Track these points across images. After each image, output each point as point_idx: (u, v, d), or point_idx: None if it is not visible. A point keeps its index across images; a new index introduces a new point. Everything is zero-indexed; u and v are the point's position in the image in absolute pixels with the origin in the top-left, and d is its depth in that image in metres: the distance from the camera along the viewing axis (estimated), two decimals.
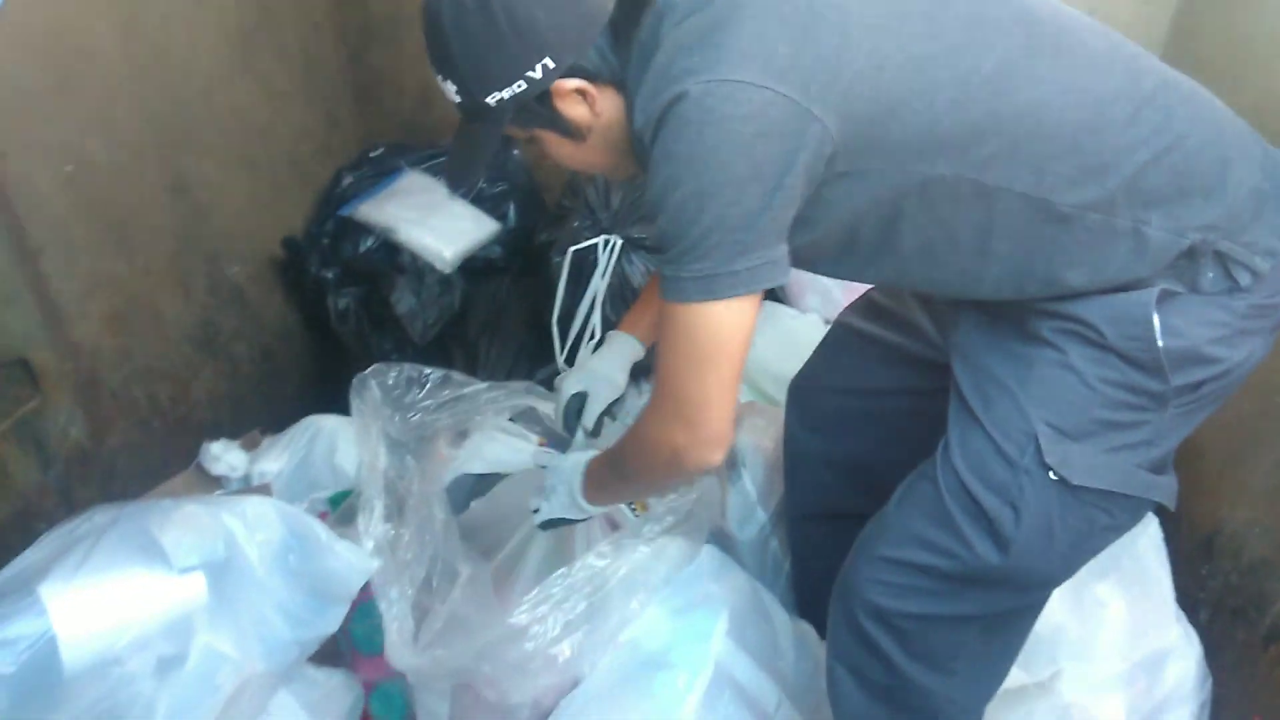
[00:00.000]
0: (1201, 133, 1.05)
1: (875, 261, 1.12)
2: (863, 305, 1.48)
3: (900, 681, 1.21)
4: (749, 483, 1.72)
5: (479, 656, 1.35)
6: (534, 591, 1.38)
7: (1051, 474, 1.09)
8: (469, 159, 1.15)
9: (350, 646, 1.56)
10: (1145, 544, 1.65)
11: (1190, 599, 1.67)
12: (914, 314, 1.36)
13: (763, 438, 1.77)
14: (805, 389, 1.56)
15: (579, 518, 1.40)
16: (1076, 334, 1.09)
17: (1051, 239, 1.06)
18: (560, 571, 1.40)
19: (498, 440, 1.73)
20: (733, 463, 1.73)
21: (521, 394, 1.74)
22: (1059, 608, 1.58)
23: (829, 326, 1.57)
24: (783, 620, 1.57)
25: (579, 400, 1.49)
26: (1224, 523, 1.64)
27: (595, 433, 1.50)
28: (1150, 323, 1.05)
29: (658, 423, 1.11)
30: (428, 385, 1.66)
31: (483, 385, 1.70)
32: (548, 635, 1.36)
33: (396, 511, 1.50)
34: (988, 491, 1.12)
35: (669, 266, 1.02)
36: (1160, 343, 1.05)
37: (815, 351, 1.57)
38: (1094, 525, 1.13)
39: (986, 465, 1.12)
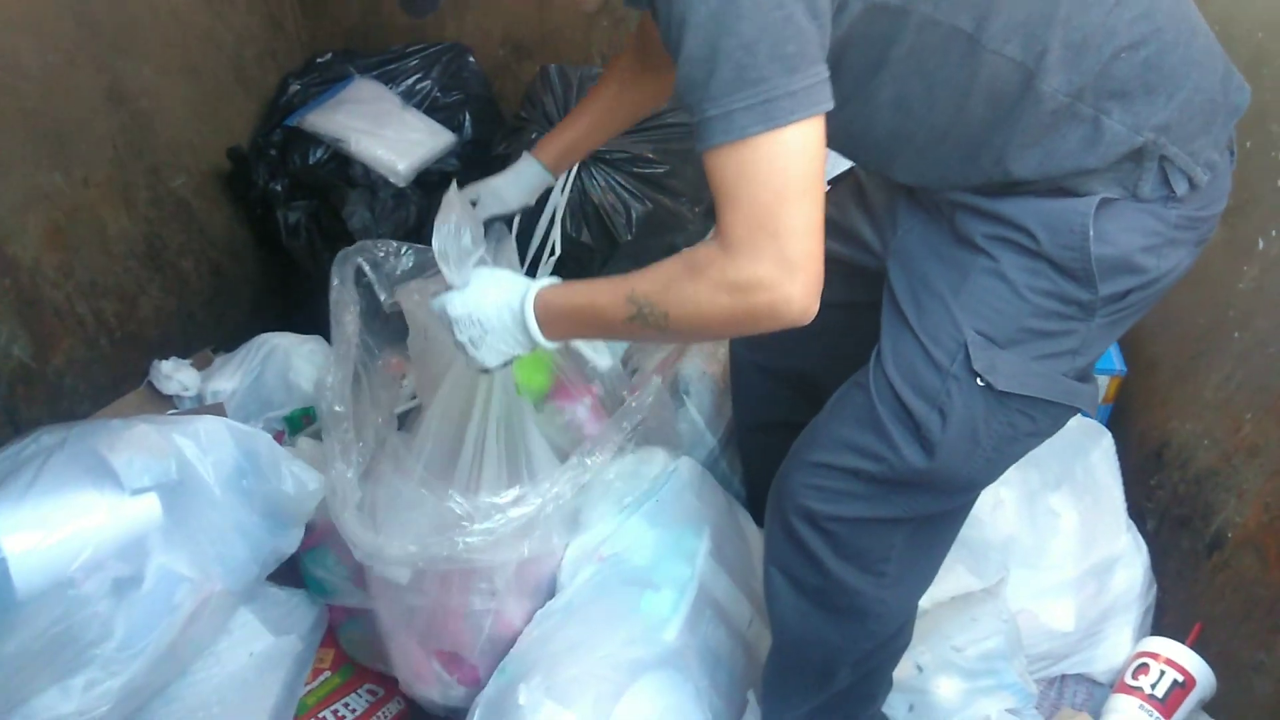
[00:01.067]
0: (1176, 31, 1.05)
1: (843, 109, 1.02)
2: None
3: (831, 583, 1.24)
4: (694, 411, 1.73)
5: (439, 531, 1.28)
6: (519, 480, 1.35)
7: (979, 380, 1.11)
8: None
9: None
10: (1098, 456, 1.68)
11: (1138, 508, 1.72)
12: (854, 221, 1.35)
13: (710, 362, 1.76)
14: None
15: (524, 352, 1.21)
16: (1010, 241, 1.10)
17: (1019, 114, 1.05)
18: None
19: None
20: (675, 390, 1.73)
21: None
22: (1012, 518, 1.61)
23: None
24: (755, 535, 1.59)
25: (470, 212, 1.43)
26: (1173, 434, 1.68)
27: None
28: (1086, 231, 1.06)
29: (753, 267, 0.94)
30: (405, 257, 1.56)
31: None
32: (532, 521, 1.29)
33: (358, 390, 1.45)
34: (916, 397, 1.13)
35: (710, 104, 0.90)
36: (1093, 250, 1.06)
37: None
38: (1017, 430, 1.15)
39: (916, 371, 1.14)
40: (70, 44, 1.64)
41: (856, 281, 1.34)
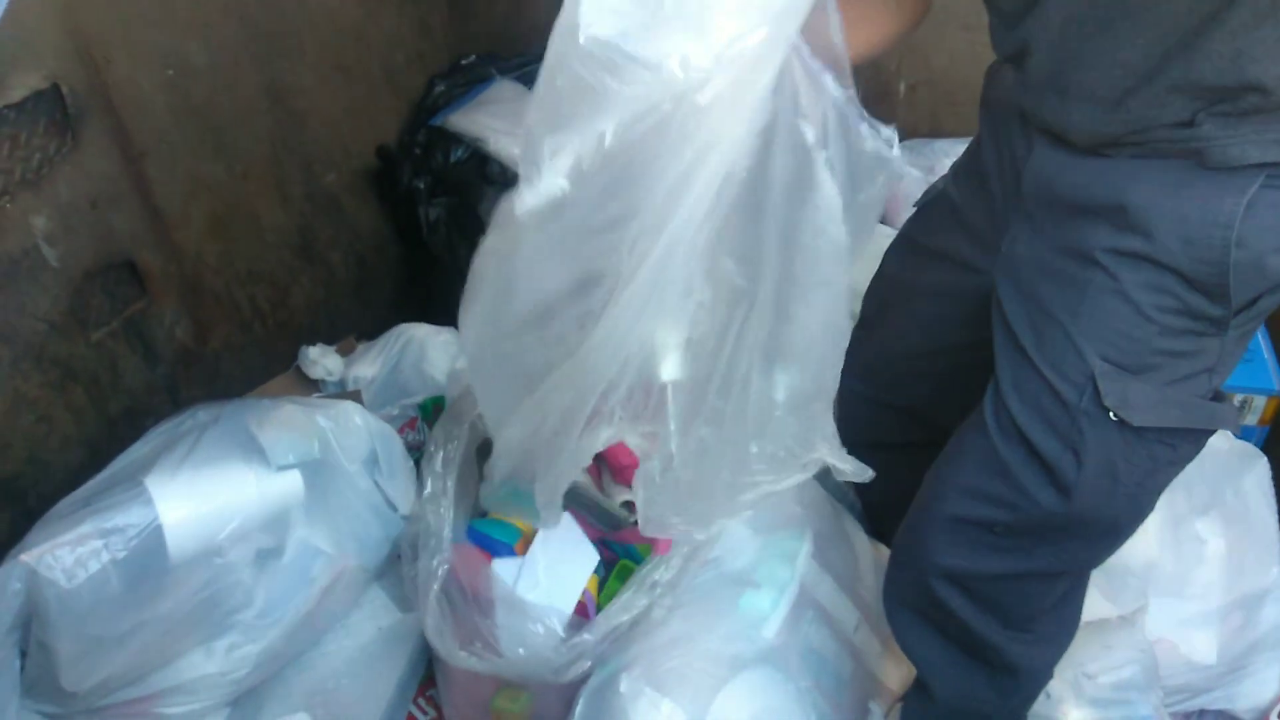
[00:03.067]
0: None
1: None
2: (904, 249, 1.38)
3: (975, 640, 1.19)
4: None
5: None
6: None
7: (1111, 415, 1.03)
8: None
9: None
10: (1251, 481, 1.59)
11: None
12: (954, 241, 1.26)
13: None
14: (856, 355, 1.48)
15: None
16: (1132, 255, 1.00)
17: None
18: None
19: None
20: None
21: None
22: (1154, 542, 1.53)
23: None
24: (863, 543, 1.57)
25: None
26: None
27: None
28: (1229, 242, 0.95)
29: None
30: None
31: None
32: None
33: None
34: (1046, 436, 1.06)
35: None
36: (1232, 259, 0.96)
37: (865, 301, 1.48)
38: (1157, 462, 1.07)
39: (1042, 408, 1.06)
40: (234, 44, 1.74)
41: (965, 322, 1.28)
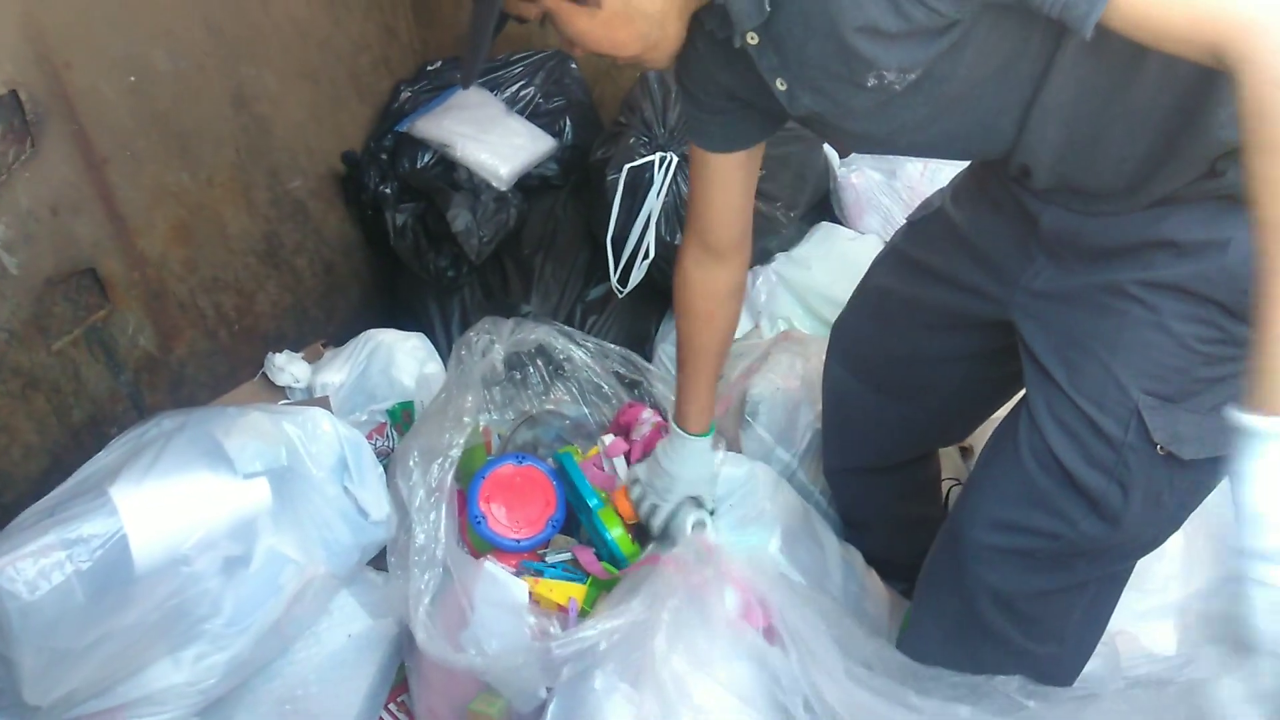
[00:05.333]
0: None
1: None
2: (901, 266, 1.37)
3: (1014, 657, 1.19)
4: (763, 430, 1.71)
5: None
6: None
7: (1159, 449, 1.02)
8: (472, 44, 0.99)
9: None
10: None
11: None
12: (961, 267, 1.24)
13: (787, 377, 1.74)
14: (854, 349, 1.48)
15: None
16: (1170, 288, 0.99)
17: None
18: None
19: None
20: (741, 412, 1.72)
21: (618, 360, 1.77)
22: None
23: (870, 268, 1.46)
24: (831, 542, 1.58)
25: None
26: None
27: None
28: None
29: None
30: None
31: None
32: None
33: None
34: (1089, 470, 1.05)
35: None
36: None
37: (858, 303, 1.46)
38: (1200, 486, 1.08)
39: (1083, 442, 1.05)
40: (199, 50, 1.73)
41: (969, 334, 1.28)
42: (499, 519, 1.49)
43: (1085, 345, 1.06)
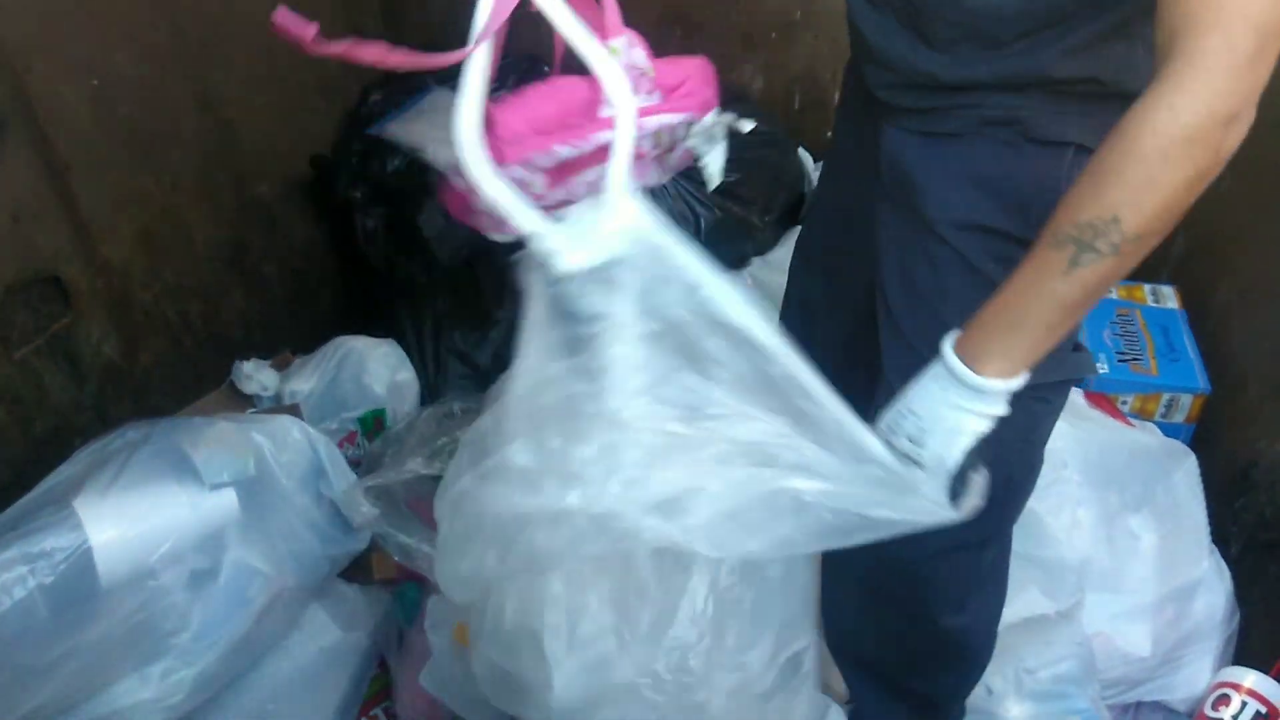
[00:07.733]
0: None
1: None
2: (804, 267, 1.39)
3: (924, 628, 1.21)
4: None
5: None
6: None
7: None
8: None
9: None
10: (1180, 477, 1.63)
11: (1222, 532, 1.65)
12: (846, 237, 1.27)
13: None
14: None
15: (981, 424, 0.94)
16: (976, 227, 1.03)
17: None
18: None
19: None
20: None
21: None
22: (1089, 539, 1.57)
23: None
24: None
25: None
26: (1262, 455, 1.62)
27: None
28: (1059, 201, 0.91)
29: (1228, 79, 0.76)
30: None
31: None
32: None
33: None
34: None
35: None
36: None
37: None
38: (1035, 417, 1.11)
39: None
40: (162, 53, 1.71)
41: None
42: None
43: (922, 295, 1.09)
